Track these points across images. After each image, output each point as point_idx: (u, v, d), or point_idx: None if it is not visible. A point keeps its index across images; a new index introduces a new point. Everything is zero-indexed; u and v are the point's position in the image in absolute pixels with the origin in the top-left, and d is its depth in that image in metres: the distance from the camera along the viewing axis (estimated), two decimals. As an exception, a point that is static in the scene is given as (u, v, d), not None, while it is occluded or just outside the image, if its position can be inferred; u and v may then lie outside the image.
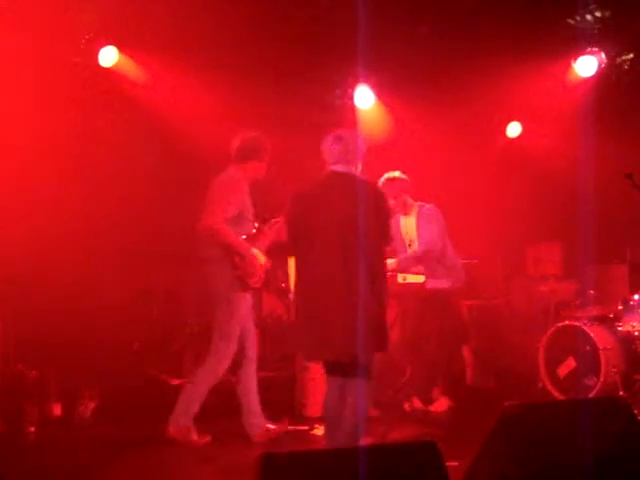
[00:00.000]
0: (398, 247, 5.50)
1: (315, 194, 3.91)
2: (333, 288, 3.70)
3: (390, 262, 5.05)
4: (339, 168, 3.90)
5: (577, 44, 6.04)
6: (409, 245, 5.48)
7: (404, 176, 5.43)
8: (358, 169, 3.98)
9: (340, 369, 3.82)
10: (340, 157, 3.88)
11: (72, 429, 5.07)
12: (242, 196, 4.59)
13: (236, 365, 4.65)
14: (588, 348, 5.40)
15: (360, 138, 4.06)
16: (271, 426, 4.70)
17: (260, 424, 4.64)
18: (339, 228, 3.74)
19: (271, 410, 4.84)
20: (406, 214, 5.54)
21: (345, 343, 3.68)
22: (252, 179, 4.69)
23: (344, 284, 3.68)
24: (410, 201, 5.49)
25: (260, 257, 4.61)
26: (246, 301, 4.64)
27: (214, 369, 4.56)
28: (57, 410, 5.20)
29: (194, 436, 4.52)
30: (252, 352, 4.71)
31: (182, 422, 4.50)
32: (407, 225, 5.55)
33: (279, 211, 4.60)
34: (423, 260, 5.25)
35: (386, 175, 5.41)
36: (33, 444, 4.74)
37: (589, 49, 6.12)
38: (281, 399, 5.46)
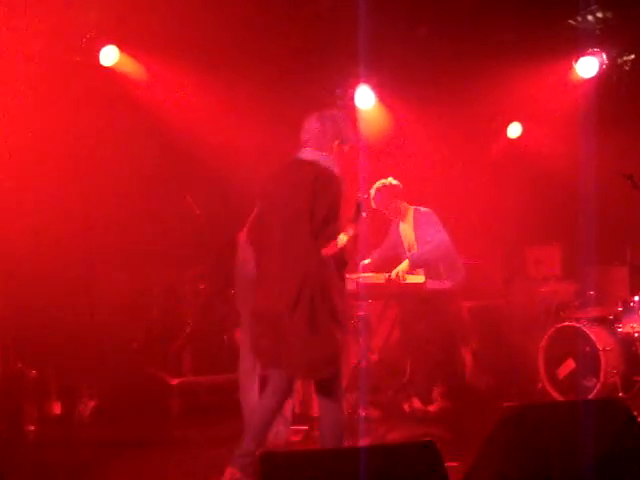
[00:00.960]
0: (400, 252, 5.48)
1: (268, 191, 3.67)
2: (271, 298, 3.49)
3: (402, 265, 5.04)
4: (306, 154, 3.62)
5: (578, 45, 6.03)
6: (408, 250, 5.47)
7: (396, 182, 5.41)
8: (332, 152, 3.64)
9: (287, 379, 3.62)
10: (314, 139, 3.60)
11: (72, 428, 5.07)
12: None
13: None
14: (588, 349, 5.40)
15: (347, 120, 3.75)
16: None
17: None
18: (282, 229, 3.51)
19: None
20: (403, 219, 5.53)
21: (278, 355, 3.48)
22: None
23: (278, 294, 3.45)
24: (404, 206, 5.49)
25: None
26: None
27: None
28: (57, 409, 5.20)
29: None
30: None
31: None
32: (405, 230, 5.54)
33: None
34: (430, 259, 5.21)
35: (378, 183, 5.40)
36: (33, 443, 4.74)
37: (590, 50, 6.11)
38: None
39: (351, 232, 3.53)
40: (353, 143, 3.73)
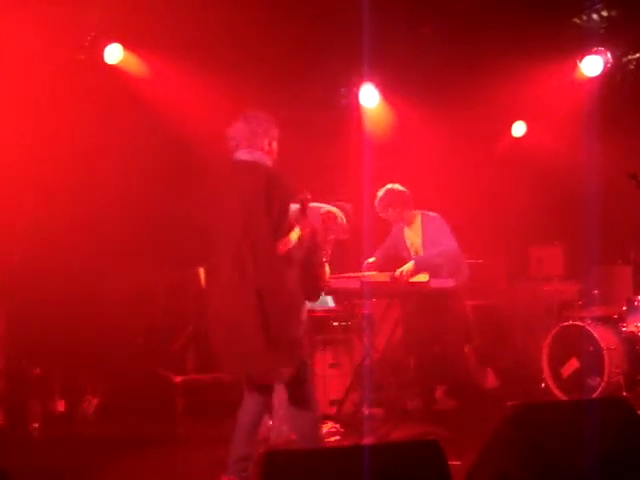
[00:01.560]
0: (405, 256, 5.46)
1: (213, 191, 3.68)
2: (224, 301, 3.44)
3: (408, 266, 5.03)
4: (244, 155, 3.60)
5: (583, 43, 6.02)
6: (415, 254, 5.44)
7: (403, 188, 5.36)
8: (266, 150, 3.64)
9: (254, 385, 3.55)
10: (245, 140, 3.59)
11: (75, 425, 5.09)
12: None
13: None
14: (592, 348, 5.39)
15: (269, 120, 3.70)
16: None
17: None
18: (233, 230, 3.47)
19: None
20: (409, 225, 5.50)
21: (236, 360, 3.45)
22: None
23: (234, 296, 3.41)
24: (412, 212, 5.44)
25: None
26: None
27: None
28: (60, 406, 5.22)
29: None
30: None
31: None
32: (411, 236, 5.50)
33: None
34: (440, 260, 5.18)
35: (386, 187, 5.35)
36: (37, 440, 4.76)
37: (595, 49, 6.10)
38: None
39: (298, 231, 3.53)
40: (277, 139, 3.72)
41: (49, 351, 4.38)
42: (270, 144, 3.66)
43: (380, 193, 5.33)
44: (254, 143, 3.60)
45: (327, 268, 4.38)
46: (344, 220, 4.06)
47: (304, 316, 3.56)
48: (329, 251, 3.87)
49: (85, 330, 5.61)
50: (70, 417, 5.20)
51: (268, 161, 3.62)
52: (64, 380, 5.31)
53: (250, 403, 3.51)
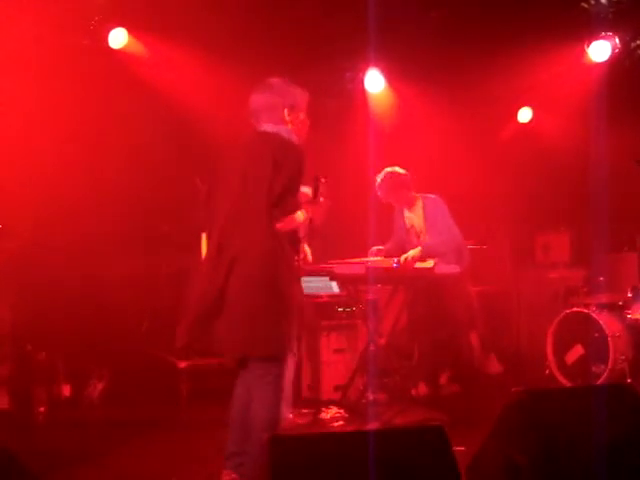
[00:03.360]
0: (404, 238, 5.46)
1: (223, 162, 3.45)
2: (203, 273, 3.28)
3: (414, 251, 5.01)
4: (266, 127, 3.35)
5: (591, 28, 5.96)
6: (418, 237, 5.44)
7: (403, 171, 5.36)
8: (287, 121, 3.37)
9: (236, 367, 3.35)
10: (265, 113, 3.36)
11: (80, 410, 5.11)
12: None
13: None
14: (596, 335, 5.39)
15: (288, 87, 3.42)
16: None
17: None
18: (229, 197, 3.29)
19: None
20: (409, 207, 5.49)
21: (221, 341, 3.23)
22: None
23: (210, 266, 3.23)
24: (412, 194, 5.45)
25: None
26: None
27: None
28: (66, 391, 5.24)
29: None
30: None
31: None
32: (412, 218, 5.49)
33: None
34: (443, 249, 5.17)
35: (385, 170, 5.36)
36: (42, 424, 4.78)
37: (603, 34, 6.04)
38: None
39: (306, 213, 3.32)
40: (304, 109, 3.43)
41: (54, 336, 4.40)
42: (293, 113, 3.37)
43: (380, 176, 5.33)
44: (273, 115, 3.35)
45: (308, 250, 4.38)
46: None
47: (288, 302, 3.22)
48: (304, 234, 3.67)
49: (90, 315, 5.63)
50: (75, 401, 5.23)
51: (289, 132, 3.33)
52: (69, 365, 5.33)
53: (236, 393, 3.35)
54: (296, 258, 3.39)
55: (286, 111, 3.37)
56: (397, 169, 5.35)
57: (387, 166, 5.42)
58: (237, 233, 3.23)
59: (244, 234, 3.21)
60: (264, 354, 3.19)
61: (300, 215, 3.29)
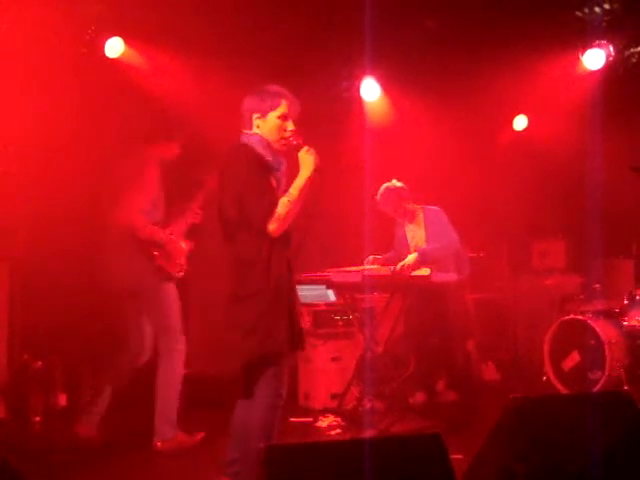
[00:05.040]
0: (405, 252, 5.46)
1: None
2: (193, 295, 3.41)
3: (410, 257, 5.01)
4: (242, 137, 3.34)
5: (585, 37, 5.99)
6: (414, 250, 5.43)
7: (400, 184, 5.38)
8: (252, 128, 3.33)
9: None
10: (243, 122, 3.35)
11: (77, 419, 5.09)
12: (154, 183, 4.38)
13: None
14: (593, 342, 5.40)
15: (258, 93, 3.36)
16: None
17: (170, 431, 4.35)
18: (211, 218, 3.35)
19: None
20: (411, 221, 5.51)
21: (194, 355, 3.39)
22: (163, 161, 4.50)
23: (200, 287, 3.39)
24: (412, 207, 5.46)
25: (179, 243, 4.39)
26: (173, 291, 4.37)
27: (171, 369, 4.34)
28: (62, 400, 5.22)
29: (184, 439, 4.38)
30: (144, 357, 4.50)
31: (168, 434, 4.33)
32: (414, 230, 5.50)
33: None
34: (440, 255, 5.18)
35: (384, 185, 5.38)
36: (38, 434, 4.76)
37: (597, 42, 6.08)
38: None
39: (294, 192, 3.21)
40: (290, 117, 3.34)
41: (51, 345, 4.38)
42: (263, 117, 3.30)
43: (379, 192, 5.37)
44: (244, 120, 3.35)
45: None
46: None
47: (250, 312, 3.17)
48: None
49: (87, 324, 5.61)
50: (72, 411, 5.21)
51: (252, 139, 3.29)
52: (66, 374, 5.31)
53: (237, 405, 3.34)
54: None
55: (255, 115, 3.33)
56: (395, 182, 5.37)
57: (382, 173, 5.46)
58: (202, 257, 3.28)
59: (207, 258, 3.30)
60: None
61: (282, 206, 3.16)
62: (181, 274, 4.40)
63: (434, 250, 5.16)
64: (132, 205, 4.22)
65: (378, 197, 5.37)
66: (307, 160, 3.27)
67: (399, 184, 5.38)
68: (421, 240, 5.42)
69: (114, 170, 4.44)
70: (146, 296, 4.34)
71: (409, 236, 5.52)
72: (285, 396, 3.30)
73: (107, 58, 5.39)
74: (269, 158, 3.28)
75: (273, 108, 3.32)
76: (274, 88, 3.38)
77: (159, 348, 4.39)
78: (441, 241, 5.24)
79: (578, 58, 6.21)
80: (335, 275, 4.90)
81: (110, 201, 4.37)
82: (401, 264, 4.93)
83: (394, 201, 5.36)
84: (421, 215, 5.46)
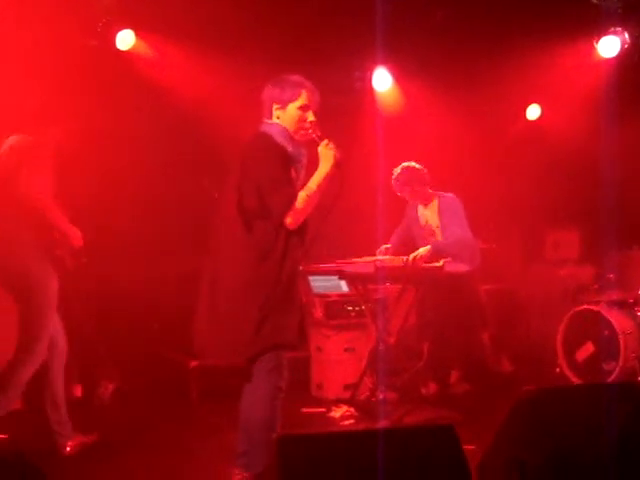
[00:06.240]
0: (417, 235, 5.46)
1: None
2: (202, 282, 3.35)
3: (423, 250, 5.00)
4: (263, 126, 3.33)
5: (600, 24, 5.93)
6: (430, 234, 5.43)
7: (420, 166, 5.36)
8: (271, 117, 3.31)
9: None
10: (263, 111, 3.34)
11: (92, 410, 5.13)
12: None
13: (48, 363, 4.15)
14: (607, 333, 5.37)
15: (277, 83, 3.34)
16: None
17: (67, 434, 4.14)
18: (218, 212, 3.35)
19: (286, 392, 4.86)
20: (425, 204, 5.49)
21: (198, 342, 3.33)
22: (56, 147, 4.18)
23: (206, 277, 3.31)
24: (428, 191, 5.44)
25: (79, 235, 4.12)
26: (56, 285, 4.10)
27: (19, 372, 4.01)
28: (77, 391, 5.27)
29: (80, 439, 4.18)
30: (62, 346, 4.23)
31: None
32: (427, 215, 5.49)
33: None
34: (454, 249, 5.16)
35: (403, 164, 5.36)
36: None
37: (612, 29, 6.01)
38: (296, 381, 5.47)
39: (314, 184, 3.21)
40: (310, 107, 3.31)
41: (66, 336, 4.41)
42: (283, 108, 3.29)
43: (397, 170, 5.34)
44: (264, 109, 3.33)
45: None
46: None
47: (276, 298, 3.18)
48: None
49: (101, 315, 5.65)
50: (87, 402, 5.25)
51: (272, 129, 3.28)
52: (81, 365, 5.34)
53: (244, 395, 3.33)
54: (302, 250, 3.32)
55: (275, 106, 3.31)
56: (414, 164, 5.35)
57: (395, 165, 5.42)
58: (216, 244, 3.30)
59: (221, 245, 3.27)
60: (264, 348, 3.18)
61: (300, 200, 3.18)
62: (74, 267, 4.21)
63: (449, 245, 5.15)
64: (37, 183, 3.95)
65: (396, 176, 5.34)
66: (327, 154, 3.27)
67: (418, 166, 5.35)
68: (435, 227, 5.41)
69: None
70: (28, 286, 4.02)
71: (422, 220, 5.49)
72: (285, 388, 3.30)
73: (118, 50, 5.40)
74: (289, 149, 3.28)
75: (293, 99, 3.30)
76: (294, 78, 3.36)
77: (22, 344, 4.06)
78: (456, 234, 5.21)
79: (593, 46, 6.14)
80: (347, 266, 4.89)
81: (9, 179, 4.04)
82: (413, 255, 4.91)
83: (412, 182, 5.32)
84: (436, 201, 5.43)
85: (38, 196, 3.93)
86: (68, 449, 4.12)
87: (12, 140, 4.09)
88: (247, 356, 3.20)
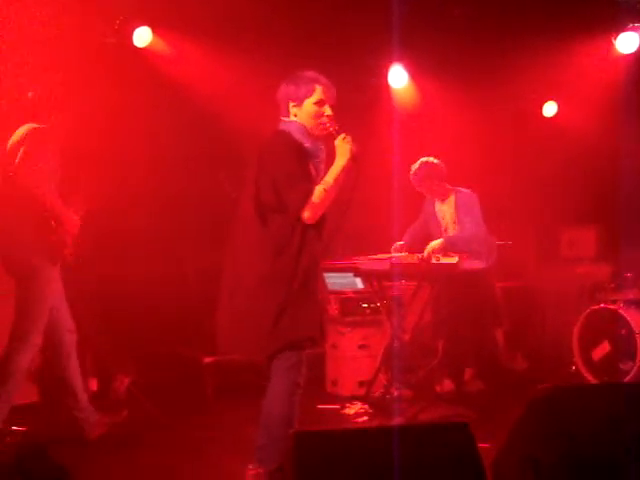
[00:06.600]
0: (434, 231, 5.46)
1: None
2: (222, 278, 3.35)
3: (436, 243, 5.02)
4: (281, 124, 3.36)
5: (618, 20, 5.88)
6: (445, 230, 5.44)
7: (438, 161, 5.37)
8: (287, 115, 3.33)
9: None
10: (278, 105, 3.36)
11: (107, 404, 5.17)
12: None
13: (54, 352, 4.17)
14: (624, 332, 5.33)
15: (292, 80, 3.34)
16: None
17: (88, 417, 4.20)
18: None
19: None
20: (442, 200, 5.50)
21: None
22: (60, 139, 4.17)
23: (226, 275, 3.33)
24: (445, 186, 5.45)
25: (76, 222, 4.13)
26: (56, 275, 4.11)
27: (14, 359, 3.97)
28: (93, 385, 5.31)
29: None
30: (71, 335, 4.23)
31: None
32: (444, 210, 5.50)
33: None
34: (468, 244, 5.17)
35: (421, 159, 5.38)
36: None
37: (631, 25, 5.95)
38: (311, 377, 5.47)
39: (332, 177, 3.23)
40: (326, 102, 3.32)
41: (82, 330, 4.44)
42: (299, 105, 3.31)
43: (415, 166, 5.36)
44: (282, 107, 3.35)
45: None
46: None
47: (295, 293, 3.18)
48: None
49: (117, 309, 5.69)
50: (102, 396, 5.29)
51: (290, 126, 3.30)
52: (96, 359, 5.39)
53: (268, 390, 3.33)
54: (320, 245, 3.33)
55: (291, 104, 3.33)
56: (433, 159, 5.36)
57: (410, 162, 5.43)
58: (234, 240, 3.31)
59: (238, 241, 3.29)
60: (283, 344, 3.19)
61: (317, 194, 3.18)
62: (72, 257, 4.17)
63: (461, 239, 5.15)
64: (34, 169, 3.95)
65: (414, 171, 5.36)
66: (344, 148, 3.28)
67: (437, 161, 5.36)
68: (450, 221, 5.42)
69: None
70: (25, 273, 4.04)
71: (440, 215, 5.52)
72: (303, 386, 3.31)
73: (135, 47, 5.42)
74: (307, 145, 3.30)
75: (308, 95, 3.31)
76: (308, 74, 3.37)
77: (17, 332, 4.03)
78: (469, 229, 5.22)
79: (611, 42, 6.10)
80: (363, 263, 4.90)
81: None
82: (427, 250, 4.93)
83: (431, 177, 5.34)
84: (453, 197, 5.44)
85: (35, 182, 3.93)
86: (96, 433, 4.17)
87: (22, 129, 4.13)
88: (266, 353, 3.21)
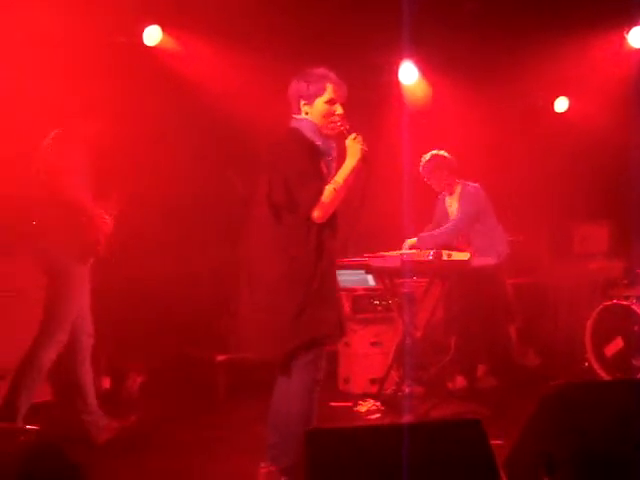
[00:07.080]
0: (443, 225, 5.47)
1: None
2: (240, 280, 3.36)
3: (412, 240, 5.11)
4: (292, 122, 3.36)
5: (630, 14, 5.84)
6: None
7: (448, 155, 5.38)
8: (299, 113, 3.34)
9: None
10: (290, 103, 3.37)
11: (120, 402, 5.20)
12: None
13: (70, 353, 4.19)
14: (636, 328, 5.31)
15: (304, 77, 3.34)
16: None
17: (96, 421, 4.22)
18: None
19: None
20: (451, 193, 5.52)
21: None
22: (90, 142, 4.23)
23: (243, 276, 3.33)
24: (453, 179, 5.46)
25: (108, 222, 4.18)
26: (85, 272, 4.18)
27: (39, 355, 4.02)
28: (106, 384, 5.34)
29: None
30: (89, 339, 4.29)
31: None
32: (451, 204, 5.53)
33: None
34: (445, 238, 5.21)
35: (431, 152, 5.39)
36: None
37: (643, 19, 5.92)
38: (324, 375, 5.48)
39: (341, 177, 3.24)
40: (337, 101, 3.31)
41: (95, 329, 4.47)
42: (310, 104, 3.30)
43: (426, 157, 5.38)
44: (293, 105, 3.36)
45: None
46: None
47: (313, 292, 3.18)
48: None
49: (130, 308, 5.71)
50: (115, 394, 5.32)
51: (302, 124, 3.30)
52: (109, 358, 5.42)
53: (275, 390, 3.35)
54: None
55: (302, 102, 3.33)
56: (443, 152, 5.37)
57: (421, 157, 5.44)
58: (249, 239, 3.32)
59: (253, 240, 3.30)
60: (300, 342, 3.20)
61: (327, 194, 3.19)
62: (103, 254, 4.22)
63: (432, 237, 5.19)
64: (64, 167, 4.04)
65: (424, 163, 5.37)
66: (354, 148, 3.28)
67: (446, 154, 5.38)
68: (454, 213, 5.45)
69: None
70: (55, 271, 4.11)
71: (449, 210, 5.55)
72: (322, 382, 3.31)
73: (145, 46, 5.44)
74: (319, 143, 3.30)
75: (319, 94, 3.31)
76: (319, 71, 3.36)
77: (43, 330, 4.08)
78: (454, 223, 5.29)
79: (623, 36, 6.06)
80: (374, 260, 4.89)
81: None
82: (405, 246, 5.14)
83: (441, 169, 5.36)
84: (459, 189, 5.45)
85: (68, 183, 4.01)
86: (104, 437, 4.19)
87: (54, 134, 4.19)
88: (285, 350, 3.21)
